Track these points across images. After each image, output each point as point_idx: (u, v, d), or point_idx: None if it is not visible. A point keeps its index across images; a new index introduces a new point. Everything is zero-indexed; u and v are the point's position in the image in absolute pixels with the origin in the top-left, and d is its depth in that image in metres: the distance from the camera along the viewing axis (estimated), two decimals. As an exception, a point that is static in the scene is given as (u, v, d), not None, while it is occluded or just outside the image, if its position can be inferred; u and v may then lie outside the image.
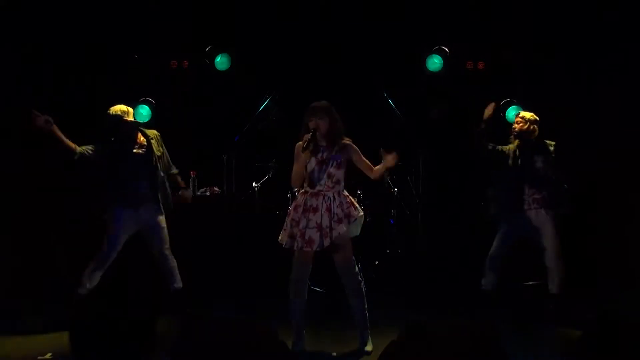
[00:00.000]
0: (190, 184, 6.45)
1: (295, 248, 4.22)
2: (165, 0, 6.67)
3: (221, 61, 6.77)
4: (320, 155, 4.25)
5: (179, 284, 5.28)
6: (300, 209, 4.23)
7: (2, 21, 5.83)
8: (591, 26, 6.11)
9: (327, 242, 4.15)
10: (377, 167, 4.29)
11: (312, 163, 4.25)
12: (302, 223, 4.19)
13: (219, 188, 6.77)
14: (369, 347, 4.35)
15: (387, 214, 6.59)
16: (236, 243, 6.64)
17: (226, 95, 6.94)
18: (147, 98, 6.41)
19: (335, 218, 4.17)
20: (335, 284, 4.89)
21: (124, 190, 5.04)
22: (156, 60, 6.76)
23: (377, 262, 6.41)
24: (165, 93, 6.62)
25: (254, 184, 6.70)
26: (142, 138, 5.18)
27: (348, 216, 4.22)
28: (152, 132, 5.28)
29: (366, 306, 4.36)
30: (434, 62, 6.66)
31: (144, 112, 6.35)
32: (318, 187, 4.23)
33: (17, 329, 4.81)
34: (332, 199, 4.22)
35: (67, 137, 4.85)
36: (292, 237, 4.23)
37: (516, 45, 6.69)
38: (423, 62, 6.67)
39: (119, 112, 5.02)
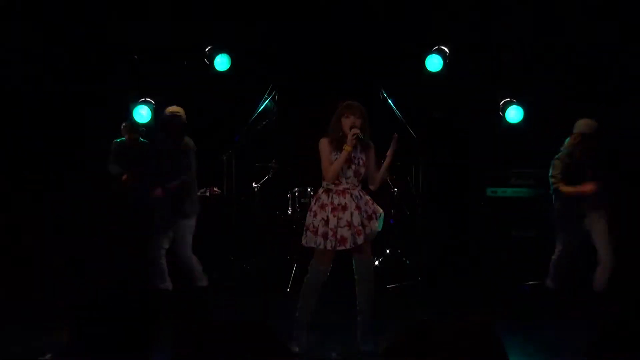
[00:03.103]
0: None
1: (329, 248, 4.15)
2: (165, 1, 6.67)
3: (221, 61, 6.77)
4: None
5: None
6: (329, 208, 4.17)
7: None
8: (590, 26, 6.11)
9: (360, 240, 4.14)
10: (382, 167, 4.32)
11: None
12: (332, 222, 4.14)
13: (219, 188, 6.76)
14: (369, 347, 4.34)
15: (387, 214, 6.58)
16: (236, 243, 6.64)
17: (226, 95, 6.94)
18: (147, 98, 6.41)
19: (365, 215, 4.19)
20: (335, 283, 4.88)
21: None
22: (156, 60, 6.76)
23: (377, 263, 6.41)
24: (165, 93, 6.62)
25: (254, 184, 6.70)
26: None
27: (374, 212, 4.26)
28: None
29: (375, 307, 4.33)
30: (434, 62, 6.66)
31: (144, 112, 6.34)
32: (344, 185, 4.21)
33: (17, 329, 4.81)
34: (358, 197, 4.22)
35: None
36: (324, 236, 4.15)
37: (516, 45, 6.69)
38: (423, 62, 6.68)
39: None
